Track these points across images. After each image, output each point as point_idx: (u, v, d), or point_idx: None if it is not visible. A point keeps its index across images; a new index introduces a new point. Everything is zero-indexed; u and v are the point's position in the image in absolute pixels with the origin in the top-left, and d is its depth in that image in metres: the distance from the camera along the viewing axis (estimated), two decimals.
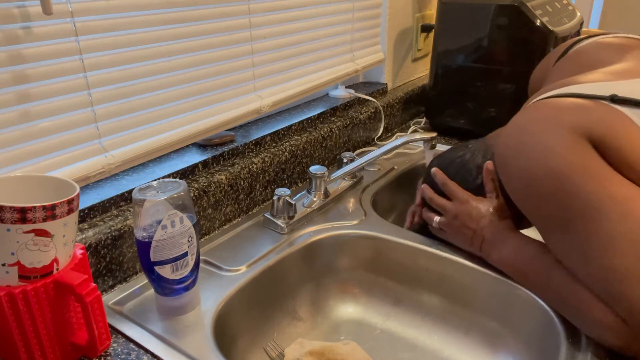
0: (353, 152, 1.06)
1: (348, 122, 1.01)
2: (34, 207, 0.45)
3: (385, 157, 1.05)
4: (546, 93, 0.63)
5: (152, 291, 0.61)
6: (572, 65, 0.69)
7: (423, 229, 0.79)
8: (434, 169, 0.75)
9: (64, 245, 0.49)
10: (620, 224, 0.50)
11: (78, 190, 0.49)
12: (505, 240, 0.65)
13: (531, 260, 0.61)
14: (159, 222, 0.54)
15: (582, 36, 0.74)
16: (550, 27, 0.97)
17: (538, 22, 0.97)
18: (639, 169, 0.51)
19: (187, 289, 0.59)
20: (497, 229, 0.66)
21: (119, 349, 0.55)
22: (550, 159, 0.54)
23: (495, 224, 0.67)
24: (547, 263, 0.59)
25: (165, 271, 0.56)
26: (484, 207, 0.68)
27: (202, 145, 0.81)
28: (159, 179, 0.64)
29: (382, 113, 1.12)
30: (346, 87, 1.13)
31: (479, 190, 0.70)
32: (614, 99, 0.54)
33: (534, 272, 0.61)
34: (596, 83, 0.58)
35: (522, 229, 0.68)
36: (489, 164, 0.70)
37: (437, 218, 0.73)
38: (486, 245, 0.67)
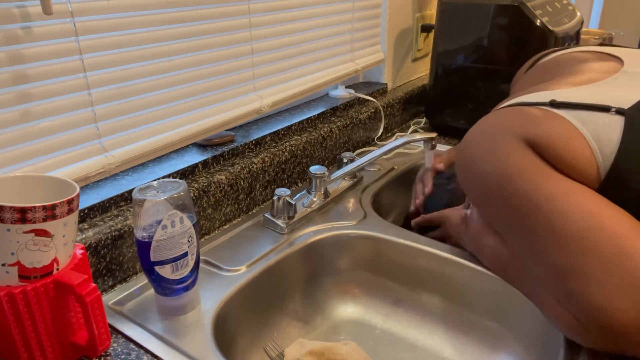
0: (353, 152, 1.06)
1: (348, 122, 1.01)
2: (34, 207, 0.45)
3: (385, 157, 1.05)
4: (502, 104, 0.68)
5: (152, 291, 0.61)
6: (532, 78, 0.75)
7: (423, 229, 0.79)
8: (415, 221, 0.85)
9: (64, 245, 0.49)
10: (559, 221, 0.51)
11: (78, 190, 0.49)
12: (490, 232, 0.67)
13: (510, 254, 0.64)
14: (159, 222, 0.54)
15: (548, 50, 0.80)
16: (550, 27, 0.97)
17: (538, 22, 0.97)
18: (577, 167, 0.53)
19: (187, 289, 0.59)
20: (484, 223, 0.68)
21: (119, 349, 0.55)
22: (493, 163, 0.58)
23: (482, 219, 0.70)
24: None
25: (165, 271, 0.56)
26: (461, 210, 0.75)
27: (202, 145, 0.81)
28: (159, 179, 0.64)
29: (382, 113, 1.12)
30: (346, 87, 1.13)
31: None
32: (553, 104, 0.58)
33: (512, 266, 0.63)
34: (541, 92, 0.63)
35: None
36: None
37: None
38: (476, 228, 0.69)
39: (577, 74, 0.64)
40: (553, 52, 0.77)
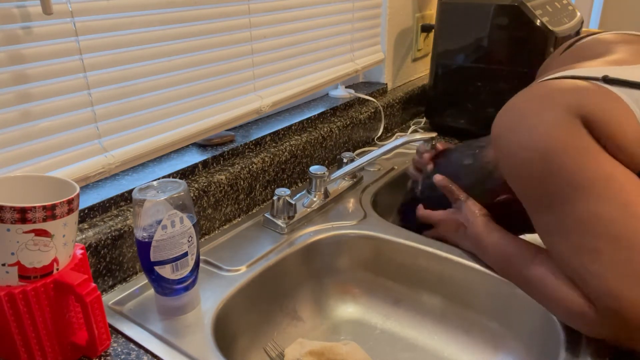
0: (353, 152, 1.06)
1: (348, 122, 1.01)
2: (34, 207, 0.45)
3: (385, 157, 1.05)
4: (543, 77, 0.64)
5: (152, 291, 0.61)
6: (572, 57, 0.71)
7: (420, 228, 0.79)
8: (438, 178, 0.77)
9: (64, 245, 0.49)
10: (596, 204, 0.50)
11: (78, 190, 0.49)
12: (492, 230, 0.67)
13: (516, 249, 0.63)
14: (159, 222, 0.54)
15: (584, 34, 0.76)
16: (550, 27, 0.97)
17: (538, 22, 0.97)
18: (627, 148, 0.52)
19: (187, 289, 0.59)
20: (485, 222, 0.69)
21: (119, 349, 0.55)
22: (538, 136, 0.55)
23: (484, 218, 0.69)
24: (529, 252, 0.61)
25: (165, 271, 0.56)
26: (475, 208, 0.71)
27: (202, 145, 0.81)
28: (159, 179, 0.64)
29: (382, 113, 1.12)
30: (346, 87, 1.13)
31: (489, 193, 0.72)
32: (606, 79, 0.55)
33: (517, 261, 0.62)
34: (591, 68, 0.60)
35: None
36: (437, 179, 0.75)
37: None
38: (476, 231, 0.69)
39: (627, 53, 0.62)
40: (593, 34, 0.74)
